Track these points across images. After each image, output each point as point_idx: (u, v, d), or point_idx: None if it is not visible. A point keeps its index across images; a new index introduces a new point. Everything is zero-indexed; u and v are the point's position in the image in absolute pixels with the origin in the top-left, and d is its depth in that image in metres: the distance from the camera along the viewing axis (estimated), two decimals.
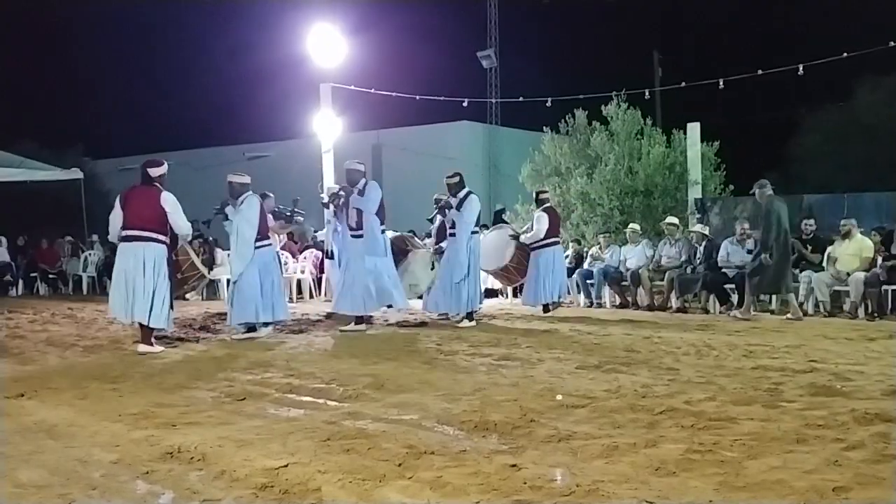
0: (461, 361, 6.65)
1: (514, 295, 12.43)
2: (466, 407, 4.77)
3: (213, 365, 6.76)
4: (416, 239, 11.18)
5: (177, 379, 6.06)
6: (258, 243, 8.46)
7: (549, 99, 15.47)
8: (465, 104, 16.92)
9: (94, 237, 16.94)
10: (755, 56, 17.46)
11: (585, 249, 13.12)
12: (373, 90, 16.04)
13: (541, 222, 10.80)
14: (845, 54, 12.62)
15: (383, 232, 9.20)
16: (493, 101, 23.94)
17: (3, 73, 26.83)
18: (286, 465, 3.59)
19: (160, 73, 30.67)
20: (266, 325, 8.60)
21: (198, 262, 8.30)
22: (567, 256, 13.35)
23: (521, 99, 16.71)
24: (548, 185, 15.07)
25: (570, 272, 12.72)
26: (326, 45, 15.50)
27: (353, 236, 9.03)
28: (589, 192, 14.67)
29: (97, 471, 3.64)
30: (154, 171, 7.70)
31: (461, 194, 9.62)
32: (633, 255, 11.89)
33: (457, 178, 9.80)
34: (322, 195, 9.92)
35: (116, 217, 7.65)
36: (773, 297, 10.51)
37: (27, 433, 4.40)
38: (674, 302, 10.88)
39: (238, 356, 7.23)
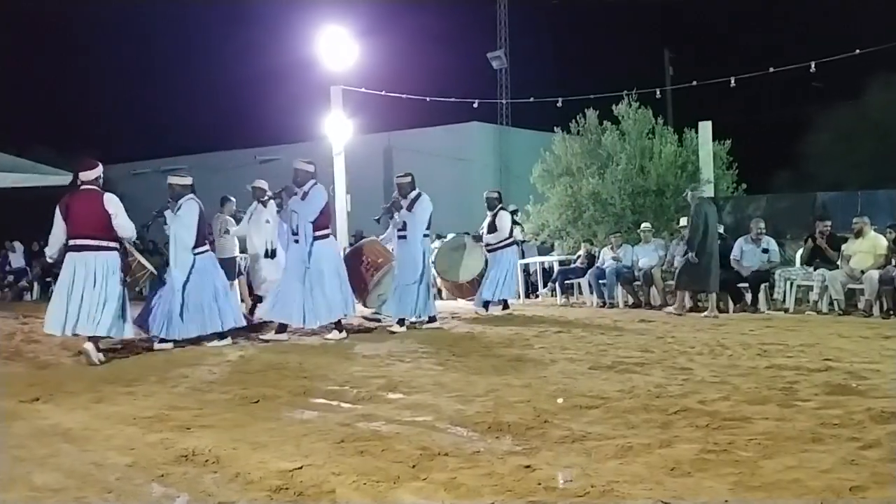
0: (474, 363, 6.64)
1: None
2: (480, 408, 4.77)
3: (227, 368, 6.79)
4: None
5: (190, 382, 6.08)
6: (196, 250, 8.02)
7: (560, 99, 15.46)
8: (475, 105, 16.94)
9: None
10: (766, 54, 17.38)
11: (596, 250, 13.09)
12: (383, 92, 16.07)
13: (503, 220, 11.04)
14: (857, 51, 12.56)
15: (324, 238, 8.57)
16: (504, 101, 23.94)
17: (17, 78, 27.06)
18: (300, 468, 3.60)
19: (172, 78, 30.81)
20: (220, 336, 8.15)
21: (143, 259, 8.06)
22: (578, 257, 13.35)
23: (531, 99, 16.71)
24: (559, 186, 15.06)
25: (582, 272, 12.72)
26: (337, 48, 15.53)
27: (294, 241, 8.51)
28: (601, 192, 14.64)
29: (112, 474, 3.65)
30: (86, 175, 7.31)
31: (412, 195, 9.34)
32: (646, 255, 11.86)
33: (408, 179, 9.53)
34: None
35: (59, 227, 7.26)
36: (777, 294, 10.50)
37: (42, 437, 4.42)
38: (686, 301, 10.83)
39: (251, 359, 7.25)
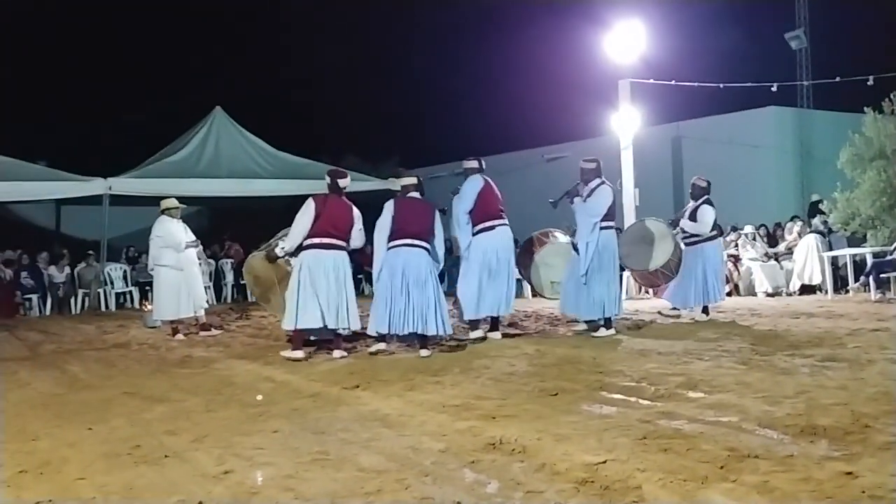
0: (780, 362, 6.29)
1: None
2: (790, 410, 4.51)
3: (525, 361, 6.98)
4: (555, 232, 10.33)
5: (491, 373, 6.34)
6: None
7: (871, 77, 14.17)
8: (773, 89, 16.01)
9: None
10: None
11: None
12: (673, 82, 15.67)
13: (706, 215, 9.80)
14: None
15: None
16: (806, 83, 22.33)
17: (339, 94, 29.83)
18: (604, 462, 3.63)
19: (458, 84, 32.15)
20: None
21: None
22: (895, 248, 12.16)
23: (837, 79, 15.48)
24: (871, 170, 13.79)
25: None
26: (625, 41, 15.35)
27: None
28: None
29: (427, 458, 3.90)
30: (343, 182, 7.93)
31: (593, 184, 8.61)
32: None
33: (593, 165, 8.76)
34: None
35: (307, 222, 7.65)
36: None
37: (364, 421, 4.82)
38: None
39: (546, 353, 7.39)
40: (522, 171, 21.26)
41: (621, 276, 9.37)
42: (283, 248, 8.10)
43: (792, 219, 15.32)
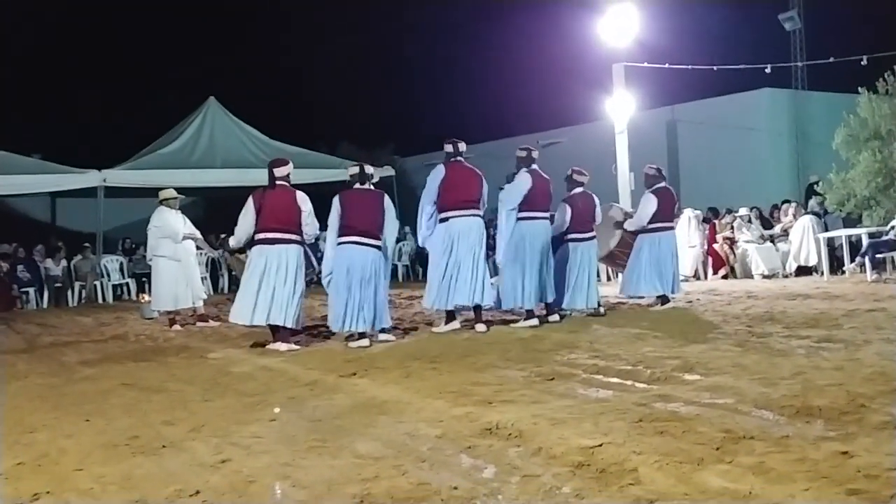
0: (776, 344, 6.30)
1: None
2: (786, 391, 4.52)
3: (520, 346, 6.99)
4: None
5: (488, 359, 6.35)
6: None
7: (865, 57, 14.15)
8: (767, 70, 16.00)
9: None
10: None
11: None
12: (667, 65, 15.64)
13: (644, 205, 9.61)
14: None
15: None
16: (799, 64, 22.30)
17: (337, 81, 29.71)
18: (600, 445, 3.63)
19: (451, 70, 32.06)
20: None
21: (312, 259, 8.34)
22: (891, 228, 12.16)
23: (831, 60, 15.47)
24: (867, 151, 13.80)
25: None
26: (618, 24, 15.30)
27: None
28: None
29: (424, 444, 3.91)
30: (280, 171, 7.67)
31: (519, 173, 8.63)
32: None
33: (523, 154, 8.68)
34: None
35: (250, 218, 7.57)
36: None
37: (361, 408, 4.82)
38: None
39: (543, 337, 7.41)
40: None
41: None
42: (231, 244, 8.14)
43: (785, 201, 15.32)
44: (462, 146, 8.37)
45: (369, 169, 7.97)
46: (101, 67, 28.39)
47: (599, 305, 9.08)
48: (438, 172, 8.22)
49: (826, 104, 19.18)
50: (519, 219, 8.41)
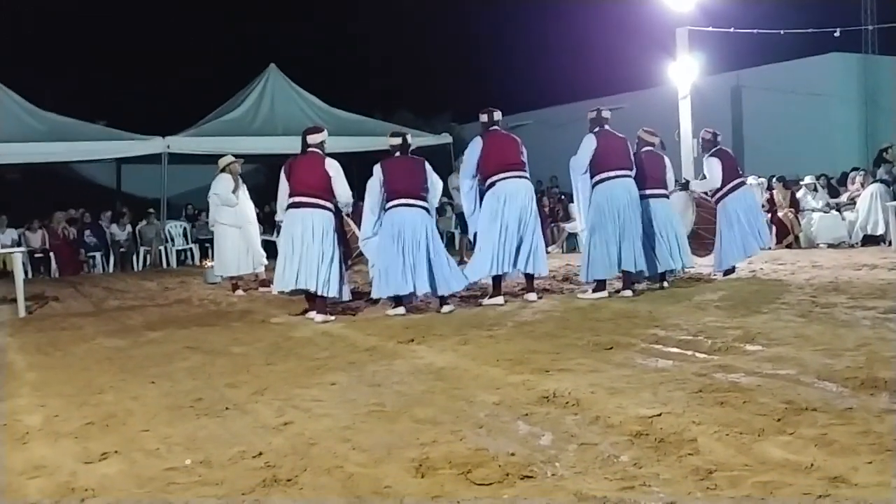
0: (841, 315, 6.17)
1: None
2: (850, 363, 4.43)
3: (578, 315, 6.96)
4: None
5: (546, 328, 6.34)
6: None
7: None
8: (836, 34, 15.51)
9: None
10: None
11: None
12: (732, 29, 15.27)
13: (711, 169, 9.23)
14: None
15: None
16: (870, 28, 21.54)
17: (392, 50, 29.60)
18: (659, 415, 3.61)
19: (511, 37, 31.74)
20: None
21: (359, 233, 8.13)
22: None
23: None
24: None
25: None
26: None
27: None
28: None
29: (482, 411, 3.93)
30: (313, 138, 7.63)
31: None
32: None
33: (593, 115, 8.42)
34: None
35: (283, 187, 7.60)
36: None
37: (419, 374, 4.87)
38: None
39: (601, 307, 7.36)
40: (580, 123, 20.98)
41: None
42: (277, 218, 8.16)
43: (854, 169, 14.90)
44: (497, 115, 8.14)
45: (410, 139, 7.95)
46: (165, 35, 28.77)
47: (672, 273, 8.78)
48: (476, 144, 8.03)
49: None
50: (595, 183, 8.15)
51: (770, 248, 10.57)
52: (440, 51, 30.64)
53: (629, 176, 8.17)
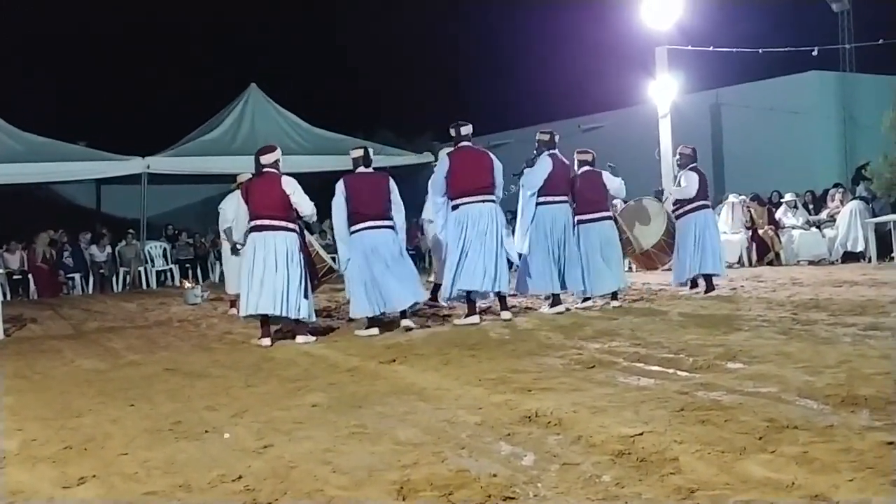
0: (821, 332, 6.19)
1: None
2: (831, 380, 4.44)
3: (560, 333, 6.96)
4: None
5: (528, 346, 6.33)
6: None
7: None
8: (814, 53, 15.70)
9: None
10: None
11: None
12: (711, 48, 15.42)
13: (689, 179, 9.44)
14: None
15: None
16: (848, 46, 21.80)
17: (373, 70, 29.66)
18: (641, 434, 3.60)
19: (490, 55, 31.88)
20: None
21: (322, 252, 8.03)
22: None
23: (880, 41, 15.14)
24: None
25: None
26: (661, 7, 15.10)
27: None
28: None
29: (464, 431, 3.91)
30: (266, 158, 7.46)
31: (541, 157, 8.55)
32: None
33: (546, 137, 8.70)
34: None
35: (242, 210, 7.53)
36: None
37: (401, 395, 4.84)
38: None
39: (583, 325, 7.37)
40: (561, 142, 21.12)
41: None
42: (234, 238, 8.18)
43: (835, 186, 15.05)
44: (466, 129, 8.05)
45: (372, 152, 7.97)
46: (144, 55, 28.73)
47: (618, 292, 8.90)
48: (443, 164, 8.00)
49: (875, 87, 18.74)
50: (538, 203, 8.39)
51: (746, 266, 10.65)
52: (421, 70, 30.78)
53: (567, 202, 8.57)
